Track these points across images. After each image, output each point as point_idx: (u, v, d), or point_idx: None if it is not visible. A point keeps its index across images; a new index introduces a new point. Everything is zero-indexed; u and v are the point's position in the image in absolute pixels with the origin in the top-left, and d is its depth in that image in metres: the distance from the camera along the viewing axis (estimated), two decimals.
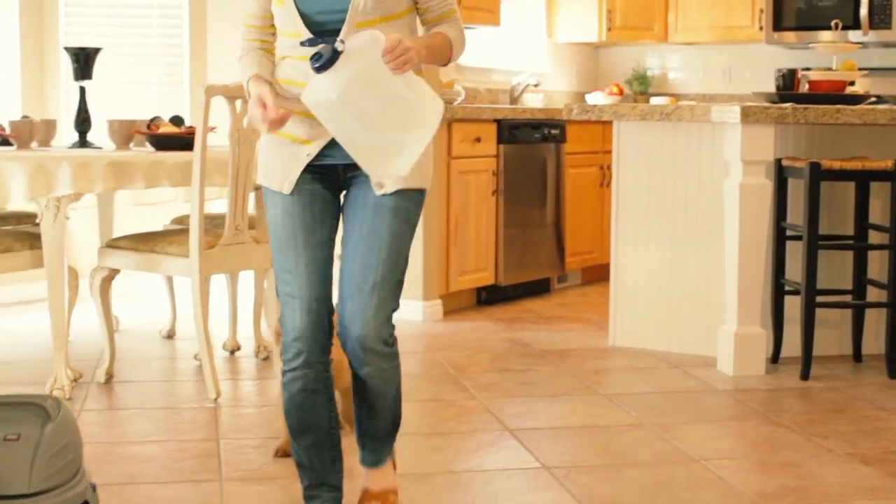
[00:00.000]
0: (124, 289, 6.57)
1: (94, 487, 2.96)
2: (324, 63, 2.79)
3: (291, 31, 3.01)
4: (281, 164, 3.09)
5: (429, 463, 4.02)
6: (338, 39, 2.81)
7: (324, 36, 2.89)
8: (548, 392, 5.02)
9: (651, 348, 5.89)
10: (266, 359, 5.51)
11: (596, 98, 8.48)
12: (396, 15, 3.03)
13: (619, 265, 6.01)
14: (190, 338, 5.68)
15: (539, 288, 7.67)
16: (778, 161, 5.51)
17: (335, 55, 2.79)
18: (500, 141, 7.05)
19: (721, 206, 5.53)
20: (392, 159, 2.90)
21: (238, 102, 4.72)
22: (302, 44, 2.88)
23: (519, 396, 4.92)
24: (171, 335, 5.99)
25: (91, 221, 5.99)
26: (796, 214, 5.51)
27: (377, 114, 2.87)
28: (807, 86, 5.86)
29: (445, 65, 3.13)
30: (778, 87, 6.04)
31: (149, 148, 5.22)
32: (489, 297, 7.22)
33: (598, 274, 8.13)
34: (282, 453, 3.76)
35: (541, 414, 4.66)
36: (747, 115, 5.20)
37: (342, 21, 2.96)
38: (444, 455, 4.12)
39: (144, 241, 4.94)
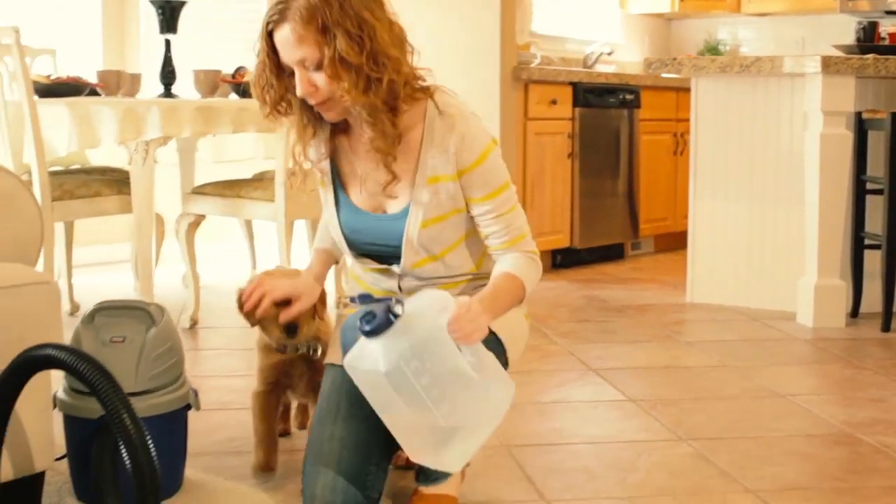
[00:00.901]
0: (202, 250, 6.64)
1: (195, 393, 3.02)
2: (375, 328, 2.34)
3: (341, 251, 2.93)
4: (340, 335, 2.87)
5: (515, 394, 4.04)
6: (395, 300, 2.38)
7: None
8: (628, 339, 5.05)
9: (729, 304, 5.88)
10: (346, 306, 5.55)
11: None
12: (452, 246, 2.78)
13: (697, 221, 6.00)
14: None
15: (612, 253, 7.67)
16: (857, 115, 5.49)
17: (390, 321, 2.34)
18: (575, 104, 7.06)
19: (799, 161, 5.51)
20: (441, 451, 2.46)
21: None
22: (352, 300, 2.60)
23: (600, 343, 4.94)
24: None
25: (173, 178, 6.07)
26: (876, 167, 5.48)
27: (431, 393, 2.39)
28: (886, 39, 5.83)
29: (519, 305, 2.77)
30: (858, 39, 6.01)
31: (234, 98, 5.29)
32: (564, 260, 7.24)
33: (672, 242, 8.12)
34: (260, 470, 3.18)
35: (622, 356, 4.68)
36: (828, 66, 5.19)
37: (393, 256, 2.78)
38: (529, 388, 4.15)
39: (230, 187, 5.01)
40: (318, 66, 2.56)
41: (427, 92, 2.71)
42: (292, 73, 2.64)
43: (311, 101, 2.65)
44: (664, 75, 8.20)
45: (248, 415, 3.67)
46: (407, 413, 2.40)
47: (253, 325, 3.09)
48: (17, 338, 2.49)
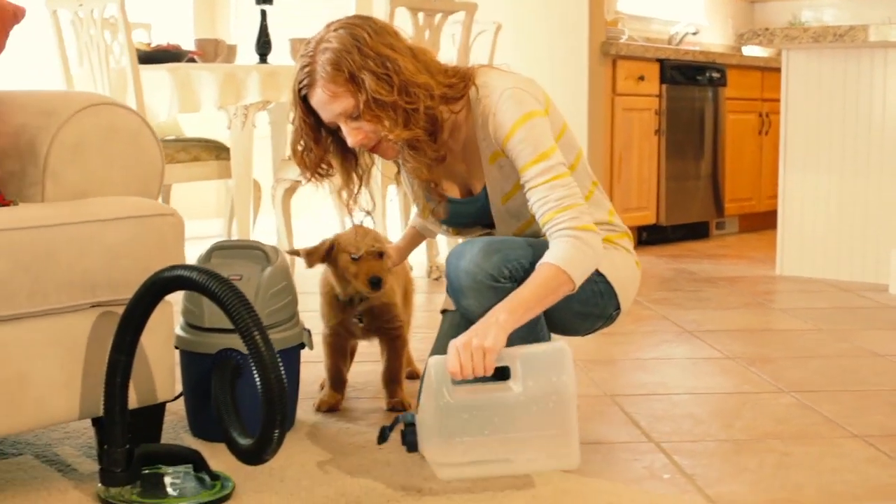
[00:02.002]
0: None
1: (308, 332, 3.08)
2: (410, 447, 2.46)
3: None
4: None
5: (613, 352, 4.08)
6: (411, 415, 2.48)
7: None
8: (720, 306, 5.05)
9: (820, 276, 5.85)
10: (437, 279, 5.60)
11: (752, 50, 8.46)
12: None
13: (786, 193, 5.98)
14: None
15: (697, 232, 7.66)
16: None
17: (413, 433, 2.45)
18: (662, 81, 7.06)
19: (892, 132, 5.48)
20: (562, 459, 2.49)
21: (420, 15, 4.81)
22: (379, 440, 2.54)
23: (693, 309, 4.95)
24: None
25: (265, 151, 6.14)
26: None
27: (500, 436, 2.43)
28: None
29: (572, 290, 2.59)
30: None
31: None
32: (650, 237, 7.24)
33: (757, 222, 8.09)
34: (325, 407, 3.28)
35: (716, 320, 4.69)
36: None
37: (491, 225, 2.88)
38: (626, 347, 4.18)
39: None
40: (358, 114, 2.62)
41: (468, 81, 2.73)
42: (329, 134, 2.73)
43: (365, 149, 2.73)
44: (749, 53, 8.19)
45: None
46: (502, 464, 2.46)
47: (310, 266, 3.14)
48: (143, 266, 2.55)
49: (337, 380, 3.30)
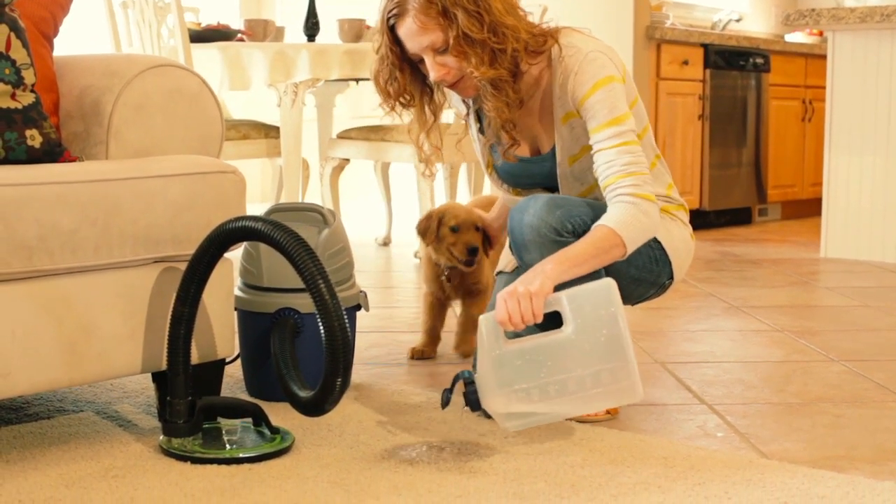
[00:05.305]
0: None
1: (365, 294, 3.11)
2: (472, 404, 2.48)
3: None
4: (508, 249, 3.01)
5: (661, 324, 4.10)
6: (468, 372, 2.49)
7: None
8: (767, 284, 5.06)
9: (865, 258, 5.85)
10: None
11: (797, 37, 8.45)
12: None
13: (832, 175, 5.97)
14: (406, 244, 5.85)
15: (740, 218, 7.66)
16: None
17: (474, 391, 2.46)
18: (706, 66, 7.07)
19: None
20: (616, 396, 2.51)
21: None
22: (443, 404, 2.53)
23: (738, 287, 4.96)
24: (386, 242, 6.14)
25: (311, 133, 6.18)
26: None
27: (557, 377, 2.44)
28: None
29: (623, 255, 2.61)
30: None
31: None
32: (693, 221, 7.19)
33: (799, 209, 8.08)
34: (418, 355, 3.51)
35: (763, 297, 4.70)
36: None
37: (555, 189, 2.88)
38: (676, 320, 4.20)
39: (375, 131, 5.11)
40: (445, 49, 2.64)
41: (552, 37, 2.75)
42: (412, 66, 2.75)
43: (445, 84, 2.74)
44: (790, 39, 8.18)
45: (401, 335, 3.79)
46: (566, 404, 2.47)
47: (428, 244, 3.38)
48: (205, 222, 2.60)
49: (432, 334, 3.55)
